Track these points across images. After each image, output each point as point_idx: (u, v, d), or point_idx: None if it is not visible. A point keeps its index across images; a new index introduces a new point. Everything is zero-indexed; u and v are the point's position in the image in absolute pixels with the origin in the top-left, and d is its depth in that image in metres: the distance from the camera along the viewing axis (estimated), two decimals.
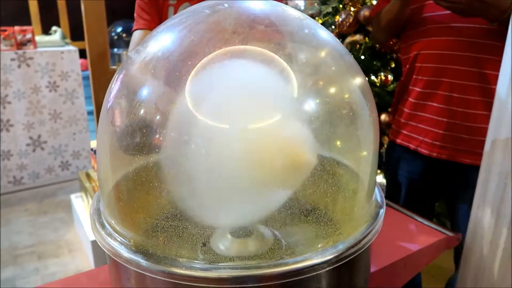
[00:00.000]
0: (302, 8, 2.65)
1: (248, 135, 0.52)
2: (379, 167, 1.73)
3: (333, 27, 1.67)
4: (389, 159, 1.38)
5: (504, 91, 0.78)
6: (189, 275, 0.49)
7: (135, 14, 1.18)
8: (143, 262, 0.52)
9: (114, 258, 0.56)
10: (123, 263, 0.54)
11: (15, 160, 2.93)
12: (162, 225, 0.55)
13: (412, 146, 1.20)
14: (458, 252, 1.08)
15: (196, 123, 0.52)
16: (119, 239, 0.56)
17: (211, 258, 0.53)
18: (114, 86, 0.55)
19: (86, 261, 2.09)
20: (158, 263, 0.51)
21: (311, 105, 0.55)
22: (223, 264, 0.50)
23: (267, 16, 0.60)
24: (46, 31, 3.64)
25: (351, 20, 1.56)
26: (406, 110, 1.22)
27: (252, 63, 0.55)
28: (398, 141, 1.26)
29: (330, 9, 1.66)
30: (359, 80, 0.58)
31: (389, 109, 1.63)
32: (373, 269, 0.72)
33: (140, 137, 0.53)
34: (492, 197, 0.82)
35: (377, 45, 1.62)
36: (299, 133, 0.49)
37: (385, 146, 1.72)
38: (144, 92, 0.53)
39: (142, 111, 0.53)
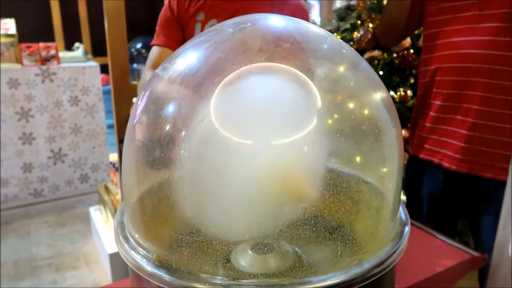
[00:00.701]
0: (319, 24, 2.67)
1: (270, 152, 0.52)
2: None
3: (351, 43, 1.67)
4: (410, 175, 1.36)
5: None
6: None
7: (156, 27, 1.19)
8: (166, 276, 0.52)
9: (137, 272, 0.56)
10: (146, 277, 0.55)
11: (36, 172, 2.99)
12: (186, 240, 0.55)
13: (436, 160, 1.18)
14: (483, 272, 1.05)
15: (221, 139, 0.53)
16: (142, 253, 0.56)
17: (234, 274, 0.53)
18: (141, 103, 0.56)
19: (103, 274, 2.10)
20: (181, 278, 0.51)
21: (335, 122, 0.55)
22: (246, 281, 0.50)
23: (291, 34, 0.60)
24: (68, 47, 3.75)
25: (369, 36, 1.56)
26: (427, 124, 1.21)
27: (276, 80, 0.56)
28: (421, 156, 1.24)
29: (348, 26, 1.66)
30: (383, 96, 0.58)
31: (409, 125, 1.62)
32: None
33: (165, 152, 0.54)
34: None
35: (387, 46, 1.61)
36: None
37: (404, 162, 1.70)
38: (170, 108, 0.54)
39: (168, 127, 0.54)
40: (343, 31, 1.69)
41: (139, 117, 0.56)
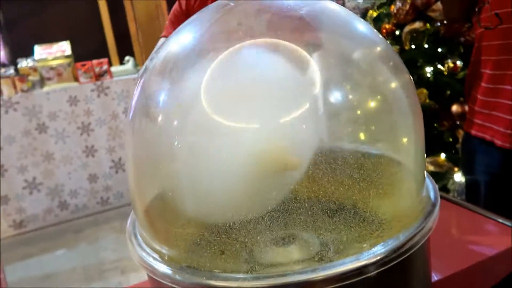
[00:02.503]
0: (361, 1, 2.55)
1: (268, 133, 0.48)
2: (456, 165, 1.57)
3: (388, 18, 1.56)
4: (466, 154, 1.23)
5: None
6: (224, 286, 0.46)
7: (167, 22, 1.20)
8: (181, 277, 0.49)
9: (150, 274, 0.55)
10: (158, 279, 0.53)
11: (101, 182, 3.18)
12: (201, 239, 0.52)
13: (487, 137, 1.06)
14: None
15: (216, 126, 0.50)
16: (154, 255, 0.54)
17: (248, 268, 0.49)
18: (133, 99, 0.55)
19: None
20: (198, 277, 0.48)
21: (335, 96, 0.50)
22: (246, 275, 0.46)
23: (290, 8, 0.56)
24: (122, 61, 3.94)
25: (407, 7, 1.44)
26: (479, 96, 1.08)
27: (270, 58, 0.52)
28: (473, 132, 1.12)
29: (384, 0, 1.56)
30: (389, 64, 0.51)
31: (461, 99, 1.47)
32: (437, 277, 0.63)
33: (160, 147, 0.52)
34: None
35: (453, 24, 1.44)
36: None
37: (461, 140, 1.55)
38: (160, 99, 0.52)
39: (160, 119, 0.52)
40: (379, 7, 1.58)
41: (132, 114, 0.55)
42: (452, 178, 1.51)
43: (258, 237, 0.45)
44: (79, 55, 3.46)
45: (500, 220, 0.79)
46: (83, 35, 4.12)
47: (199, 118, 0.50)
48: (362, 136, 0.47)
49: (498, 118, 1.02)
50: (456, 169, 1.53)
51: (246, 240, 0.46)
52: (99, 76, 3.13)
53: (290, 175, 0.45)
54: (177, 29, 0.55)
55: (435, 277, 0.63)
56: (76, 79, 3.15)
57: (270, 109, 0.48)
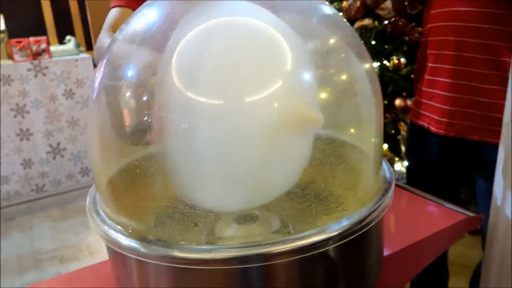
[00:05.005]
0: None
1: (245, 109, 0.49)
2: (398, 155, 1.68)
3: (341, 13, 1.62)
4: (409, 142, 1.33)
5: None
6: (186, 257, 0.47)
7: None
8: (143, 248, 0.49)
9: (112, 247, 0.54)
10: (119, 251, 0.52)
11: (36, 168, 2.99)
12: (159, 210, 0.52)
13: (425, 125, 1.15)
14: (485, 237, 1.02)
15: (186, 101, 0.50)
16: (120, 229, 0.53)
17: (209, 240, 0.50)
18: (99, 73, 0.53)
19: None
20: (154, 246, 0.48)
21: (306, 77, 0.52)
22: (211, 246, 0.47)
23: None
24: (62, 41, 3.70)
25: (358, 4, 1.51)
26: (423, 88, 1.17)
27: (243, 33, 0.53)
28: (415, 120, 1.21)
29: None
30: (353, 48, 0.54)
31: (404, 94, 1.58)
32: (387, 252, 0.68)
33: (129, 121, 0.51)
34: None
35: (400, 17, 1.52)
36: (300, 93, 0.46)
37: (402, 132, 1.66)
38: (129, 73, 0.51)
39: (128, 94, 0.51)
40: (331, 1, 1.64)
41: (99, 88, 0.53)
42: (393, 167, 1.62)
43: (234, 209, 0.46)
44: (13, 31, 3.20)
45: (439, 202, 0.86)
46: (18, 10, 3.82)
47: (172, 94, 0.50)
48: (333, 120, 0.49)
49: (434, 107, 1.11)
50: (396, 158, 1.64)
51: (221, 212, 0.46)
52: (36, 55, 2.92)
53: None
54: (148, 1, 0.53)
55: (385, 252, 0.67)
56: (10, 56, 2.91)
57: (249, 85, 0.49)
